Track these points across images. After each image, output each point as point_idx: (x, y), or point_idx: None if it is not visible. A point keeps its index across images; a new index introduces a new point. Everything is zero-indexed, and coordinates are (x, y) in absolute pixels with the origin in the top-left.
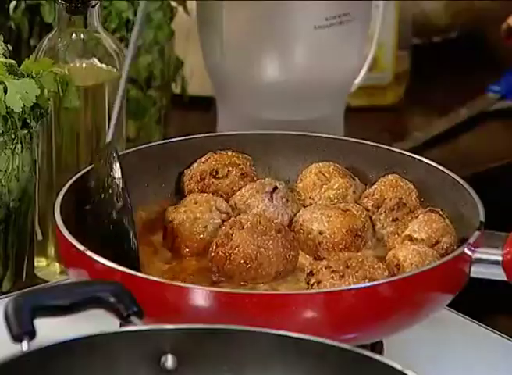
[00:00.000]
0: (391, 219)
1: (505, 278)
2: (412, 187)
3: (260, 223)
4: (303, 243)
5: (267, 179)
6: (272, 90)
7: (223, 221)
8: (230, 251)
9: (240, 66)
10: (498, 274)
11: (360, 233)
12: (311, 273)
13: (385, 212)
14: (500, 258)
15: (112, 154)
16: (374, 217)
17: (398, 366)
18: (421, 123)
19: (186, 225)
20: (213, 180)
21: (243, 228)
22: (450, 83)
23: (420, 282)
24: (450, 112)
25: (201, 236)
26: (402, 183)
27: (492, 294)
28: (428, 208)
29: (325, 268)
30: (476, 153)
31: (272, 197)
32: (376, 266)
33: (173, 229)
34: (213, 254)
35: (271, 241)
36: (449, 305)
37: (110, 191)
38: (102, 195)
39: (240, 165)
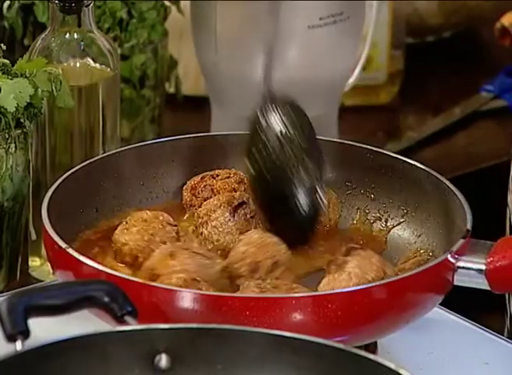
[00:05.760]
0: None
1: (488, 287)
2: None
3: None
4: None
5: (242, 192)
6: None
7: (177, 233)
8: None
9: (234, 66)
10: (481, 283)
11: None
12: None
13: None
14: (484, 267)
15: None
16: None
17: (392, 365)
18: (414, 122)
19: (143, 244)
20: (212, 179)
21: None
22: (444, 82)
23: (401, 288)
24: (444, 112)
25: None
26: (269, 240)
27: (486, 293)
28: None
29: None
30: (470, 152)
31: (234, 212)
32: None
33: (131, 250)
34: None
35: None
36: (442, 304)
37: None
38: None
39: (241, 175)
